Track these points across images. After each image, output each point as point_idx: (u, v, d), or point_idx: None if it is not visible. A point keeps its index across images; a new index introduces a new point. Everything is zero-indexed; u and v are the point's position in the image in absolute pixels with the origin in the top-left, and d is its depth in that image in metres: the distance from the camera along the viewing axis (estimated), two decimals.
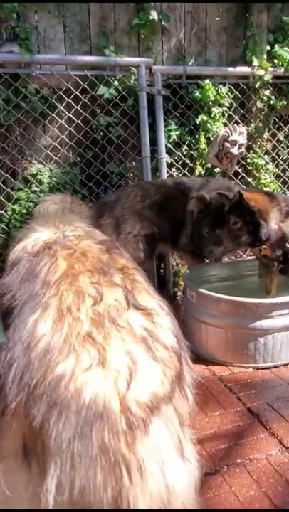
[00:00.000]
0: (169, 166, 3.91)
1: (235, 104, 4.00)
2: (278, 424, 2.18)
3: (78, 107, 3.56)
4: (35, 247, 1.44)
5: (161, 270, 4.01)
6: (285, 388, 2.49)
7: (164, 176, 3.82)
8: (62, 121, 3.58)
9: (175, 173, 3.97)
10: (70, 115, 3.58)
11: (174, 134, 3.86)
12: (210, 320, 2.80)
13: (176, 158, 3.93)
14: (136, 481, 0.93)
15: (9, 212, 3.50)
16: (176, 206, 3.21)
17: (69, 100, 3.53)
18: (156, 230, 3.22)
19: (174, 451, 1.03)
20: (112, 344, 1.03)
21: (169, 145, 3.86)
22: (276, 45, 4.00)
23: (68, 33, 3.61)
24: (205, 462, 1.96)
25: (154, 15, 3.64)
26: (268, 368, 2.71)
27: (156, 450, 0.98)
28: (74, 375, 0.96)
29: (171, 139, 3.86)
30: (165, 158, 3.81)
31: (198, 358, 2.86)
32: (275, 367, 2.71)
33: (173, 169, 3.96)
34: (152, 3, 3.61)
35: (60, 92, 3.50)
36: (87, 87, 3.53)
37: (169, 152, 3.88)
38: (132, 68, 3.65)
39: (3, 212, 3.50)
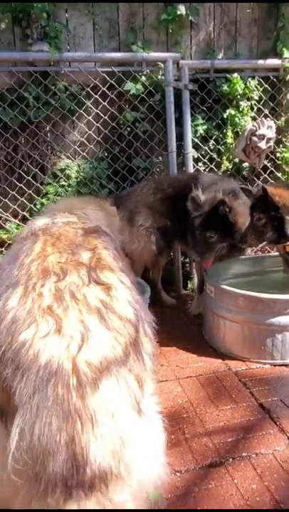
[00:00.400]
0: (196, 160, 3.91)
1: (264, 98, 3.94)
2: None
3: (106, 103, 3.63)
4: (28, 233, 1.57)
5: (185, 266, 4.03)
6: None
7: (191, 170, 3.82)
8: (90, 118, 3.67)
9: (202, 168, 3.97)
10: (98, 111, 3.65)
11: (200, 129, 3.85)
12: (227, 315, 2.80)
13: (202, 152, 3.92)
14: (87, 429, 1.06)
15: (38, 206, 3.63)
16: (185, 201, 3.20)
17: (96, 96, 3.61)
18: (169, 223, 3.24)
19: (128, 408, 1.14)
20: (68, 315, 1.17)
21: (196, 140, 3.86)
22: None
23: (98, 30, 3.68)
24: (210, 454, 1.99)
25: (181, 9, 3.64)
26: (286, 365, 2.68)
27: (107, 404, 1.10)
28: (33, 341, 1.11)
29: (198, 134, 3.86)
30: (191, 153, 3.82)
31: (215, 352, 2.87)
32: None
33: (200, 164, 3.96)
34: None
35: (88, 89, 3.58)
36: (114, 83, 3.59)
37: (195, 147, 3.88)
38: (160, 63, 3.67)
39: (32, 205, 3.64)
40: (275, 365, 2.69)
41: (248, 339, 2.74)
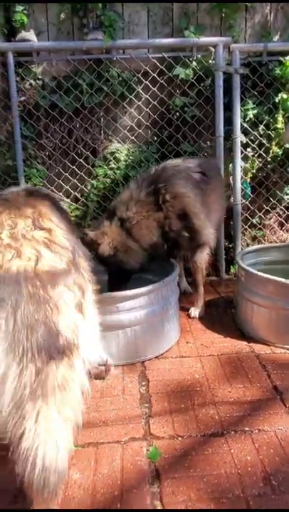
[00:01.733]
0: (244, 146, 3.90)
1: None
2: None
3: (156, 89, 3.74)
4: None
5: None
6: None
7: (238, 156, 3.83)
8: (140, 103, 3.80)
9: (250, 153, 3.95)
10: (148, 96, 3.78)
11: (250, 113, 3.82)
12: (256, 299, 2.83)
13: (252, 138, 3.90)
14: (55, 311, 1.48)
15: (88, 187, 3.87)
16: None
17: (147, 82, 3.73)
18: None
19: (73, 304, 1.57)
20: (24, 246, 1.59)
21: (245, 124, 3.85)
22: None
23: (152, 16, 3.78)
24: (214, 424, 2.09)
25: None
26: None
27: (63, 297, 1.53)
28: (3, 263, 1.52)
29: (248, 119, 3.84)
30: (240, 138, 3.81)
31: (242, 335, 2.93)
32: None
33: (248, 149, 3.94)
34: None
35: (139, 75, 3.71)
36: (164, 68, 3.68)
37: (245, 132, 3.87)
38: (210, 48, 3.69)
39: (83, 187, 3.88)
40: None
41: (275, 324, 2.76)
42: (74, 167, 3.83)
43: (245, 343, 2.84)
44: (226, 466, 1.85)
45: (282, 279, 2.68)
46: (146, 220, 2.89)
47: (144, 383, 2.45)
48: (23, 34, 3.60)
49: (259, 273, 2.78)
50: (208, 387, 2.38)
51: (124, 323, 2.56)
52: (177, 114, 3.84)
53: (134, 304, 2.57)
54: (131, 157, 3.87)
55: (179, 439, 2.02)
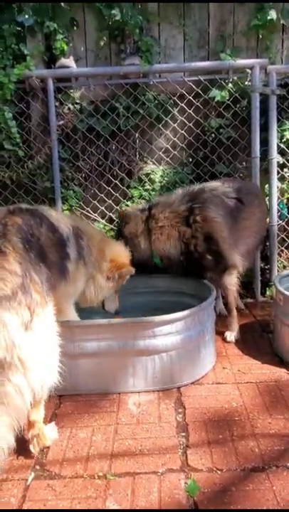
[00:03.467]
0: (281, 166, 3.85)
1: None
2: None
3: (191, 111, 3.76)
4: None
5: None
6: None
7: (275, 177, 3.78)
8: (176, 125, 3.83)
9: (287, 174, 3.89)
10: (183, 119, 3.80)
11: (287, 134, 3.79)
12: None
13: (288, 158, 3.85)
14: None
15: (123, 208, 3.90)
16: None
17: (182, 105, 3.76)
18: None
19: (18, 324, 1.71)
20: None
21: (282, 145, 3.80)
22: None
23: (188, 40, 3.84)
24: (254, 458, 2.02)
25: (272, 14, 3.62)
26: None
27: (2, 319, 1.68)
28: None
29: (285, 139, 3.79)
30: (276, 159, 3.77)
31: (281, 361, 2.84)
32: None
33: (285, 169, 3.88)
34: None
35: (175, 98, 3.75)
36: (200, 91, 3.71)
37: (281, 152, 3.83)
38: (247, 70, 3.69)
39: (118, 208, 3.92)
40: None
41: None
42: (109, 188, 3.88)
43: (285, 370, 2.75)
44: (268, 503, 1.78)
45: None
46: (171, 229, 3.09)
47: (180, 410, 2.41)
48: (63, 61, 3.71)
49: None
50: (247, 417, 2.31)
51: (160, 348, 2.54)
52: (213, 135, 3.84)
53: (171, 329, 2.54)
54: (166, 178, 3.89)
55: (218, 472, 1.97)
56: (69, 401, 2.50)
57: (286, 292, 2.82)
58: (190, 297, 3.11)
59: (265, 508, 1.76)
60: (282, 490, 1.84)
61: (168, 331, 2.53)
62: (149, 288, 3.32)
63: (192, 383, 2.64)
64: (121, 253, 2.85)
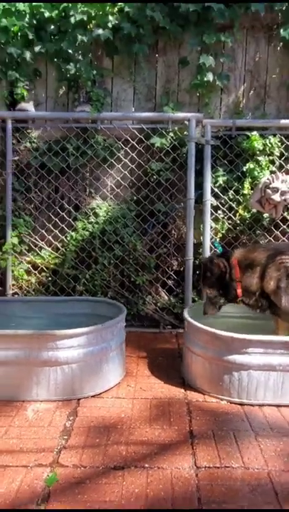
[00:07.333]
0: (215, 208, 4.20)
1: (286, 154, 4.12)
2: None
3: (134, 155, 4.18)
4: None
5: None
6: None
7: (208, 217, 4.13)
8: (120, 166, 4.23)
9: (220, 216, 4.24)
10: (127, 161, 4.21)
11: (221, 180, 4.16)
12: (194, 349, 2.98)
13: (222, 201, 4.20)
14: None
15: (68, 238, 4.23)
16: None
17: (127, 149, 4.18)
18: None
19: None
20: None
21: (216, 189, 4.18)
22: None
23: (137, 94, 4.31)
24: (118, 459, 2.20)
25: (209, 76, 4.10)
26: (242, 404, 2.76)
27: None
28: None
29: (218, 184, 4.17)
30: (210, 201, 4.13)
31: (182, 383, 3.04)
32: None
33: (219, 211, 4.23)
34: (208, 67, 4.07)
35: (120, 143, 4.18)
36: (142, 138, 4.14)
37: (216, 196, 4.19)
38: (186, 122, 4.13)
39: (63, 237, 4.25)
40: (231, 402, 2.79)
41: (209, 373, 2.88)
42: (57, 219, 4.24)
43: (182, 390, 2.96)
44: (112, 495, 1.96)
45: (215, 330, 2.85)
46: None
47: (71, 418, 2.61)
48: (23, 105, 4.18)
49: (196, 323, 2.96)
50: (128, 427, 2.51)
51: (62, 361, 2.77)
52: (154, 177, 4.23)
53: (73, 343, 2.78)
54: (109, 213, 4.25)
55: (82, 468, 2.15)
56: None
57: (189, 319, 3.08)
58: None
59: (107, 498, 1.94)
60: (130, 485, 2.02)
61: (70, 345, 2.78)
62: None
63: (93, 396, 2.85)
64: None
